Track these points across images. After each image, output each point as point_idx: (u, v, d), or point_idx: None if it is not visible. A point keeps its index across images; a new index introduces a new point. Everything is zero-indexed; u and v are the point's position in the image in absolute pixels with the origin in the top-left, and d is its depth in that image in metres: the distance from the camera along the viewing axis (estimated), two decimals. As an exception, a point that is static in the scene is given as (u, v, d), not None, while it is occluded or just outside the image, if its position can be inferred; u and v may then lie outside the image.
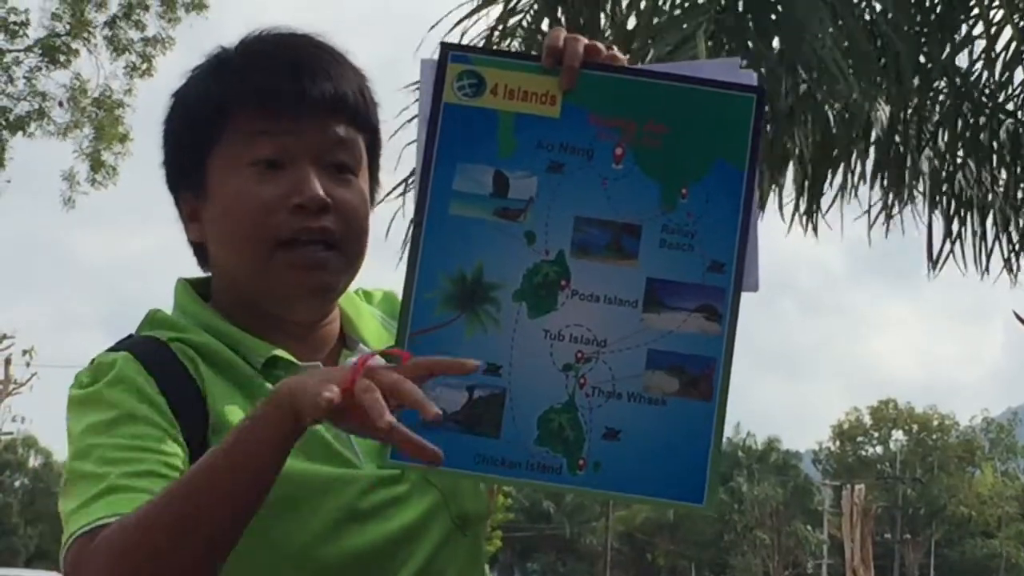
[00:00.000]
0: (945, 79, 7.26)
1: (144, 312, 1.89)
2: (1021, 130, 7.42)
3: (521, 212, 1.67)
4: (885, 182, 7.53)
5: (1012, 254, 7.71)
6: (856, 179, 7.45)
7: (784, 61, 6.15)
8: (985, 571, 64.70)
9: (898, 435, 71.71)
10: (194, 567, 1.53)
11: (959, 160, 7.58)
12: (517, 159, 1.68)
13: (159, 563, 1.51)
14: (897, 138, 7.44)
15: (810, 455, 74.07)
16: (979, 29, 7.02)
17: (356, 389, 1.46)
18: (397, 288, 2.02)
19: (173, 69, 1.94)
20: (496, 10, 7.04)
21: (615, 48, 1.74)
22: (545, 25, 6.99)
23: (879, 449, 72.21)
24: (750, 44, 6.07)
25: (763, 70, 5.98)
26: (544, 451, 1.64)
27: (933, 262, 7.63)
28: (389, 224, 6.60)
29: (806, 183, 7.37)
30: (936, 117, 7.53)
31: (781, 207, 7.40)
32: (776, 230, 7.55)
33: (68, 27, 20.63)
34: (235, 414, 1.74)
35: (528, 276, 1.67)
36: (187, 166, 1.86)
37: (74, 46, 20.77)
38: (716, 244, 1.68)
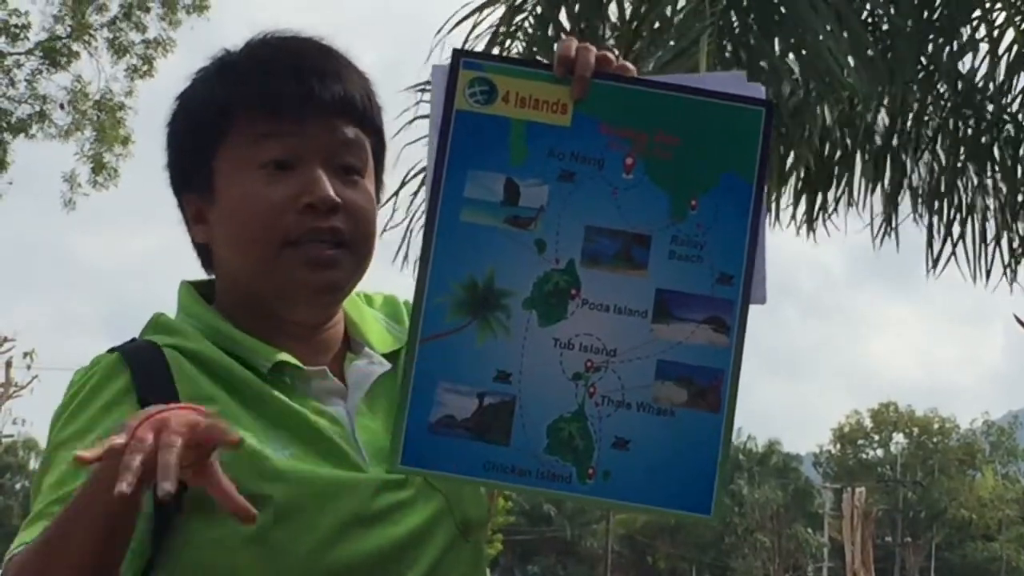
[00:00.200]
0: (946, 84, 7.26)
1: (145, 314, 1.89)
2: (1022, 135, 7.41)
3: (532, 220, 1.68)
4: (886, 186, 7.53)
5: (1012, 258, 7.71)
6: (857, 183, 7.45)
7: (786, 64, 6.15)
8: (986, 574, 64.67)
9: (899, 438, 71.70)
10: None
11: (959, 164, 7.57)
12: (528, 167, 1.68)
13: None
14: (897, 141, 7.44)
15: (811, 458, 74.04)
16: (981, 32, 7.02)
17: (128, 446, 1.44)
18: (397, 291, 2.02)
19: (174, 71, 1.96)
20: (498, 12, 7.04)
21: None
22: (539, 29, 6.98)
23: (880, 452, 72.19)
24: (752, 42, 6.07)
25: (764, 66, 5.98)
26: (554, 460, 1.65)
27: (934, 263, 7.63)
28: (386, 224, 6.60)
29: (800, 186, 7.37)
30: (937, 121, 7.53)
31: (778, 215, 7.40)
32: (776, 234, 7.55)
33: (69, 29, 20.63)
34: (234, 425, 1.72)
35: (538, 284, 1.67)
36: (193, 168, 1.86)
37: (75, 48, 20.78)
38: (725, 256, 1.69)
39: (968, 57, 7.19)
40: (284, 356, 1.81)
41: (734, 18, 6.17)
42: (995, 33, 6.91)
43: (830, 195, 7.49)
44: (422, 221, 1.78)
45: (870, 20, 6.65)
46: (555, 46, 1.75)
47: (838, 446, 72.60)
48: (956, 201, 7.65)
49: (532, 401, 1.65)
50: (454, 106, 1.69)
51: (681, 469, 1.66)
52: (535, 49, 6.78)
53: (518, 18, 7.04)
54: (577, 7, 6.81)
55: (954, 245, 7.67)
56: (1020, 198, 7.60)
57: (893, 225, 7.61)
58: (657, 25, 6.45)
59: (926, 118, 7.48)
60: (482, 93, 1.70)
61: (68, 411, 1.75)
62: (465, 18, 6.96)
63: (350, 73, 1.87)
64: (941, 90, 7.39)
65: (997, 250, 7.72)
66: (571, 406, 1.65)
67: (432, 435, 1.64)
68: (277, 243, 1.80)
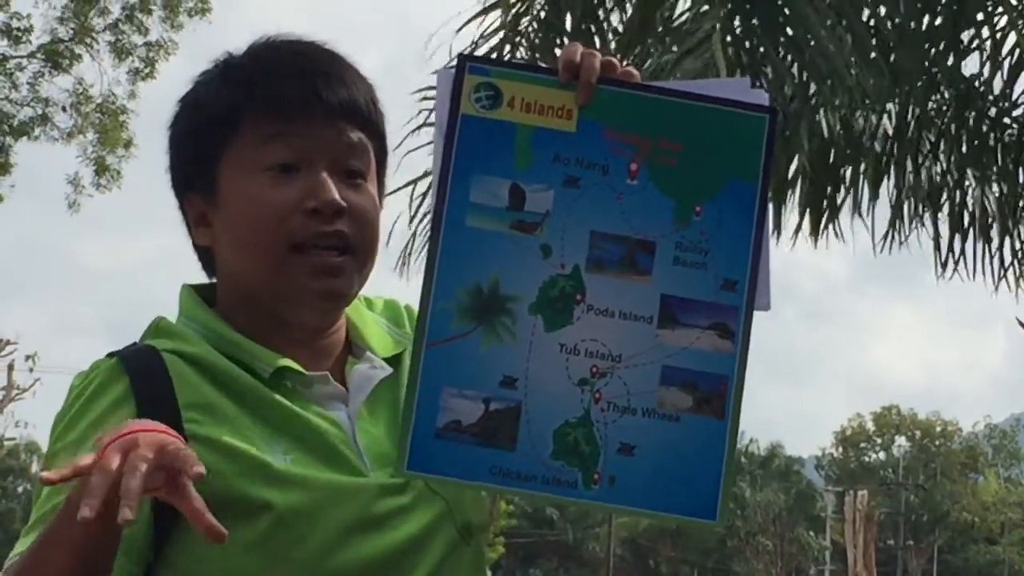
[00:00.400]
0: (949, 88, 7.26)
1: (147, 318, 1.88)
2: (1024, 138, 7.42)
3: (537, 225, 1.68)
4: (891, 191, 7.53)
5: (1015, 262, 7.72)
6: (861, 188, 7.46)
7: (791, 68, 6.15)
8: (988, 578, 64.67)
9: (901, 441, 71.65)
10: None
11: (961, 168, 7.57)
12: (534, 172, 1.69)
13: None
14: (900, 146, 7.44)
15: (813, 461, 73.98)
16: (984, 35, 7.02)
17: (96, 466, 1.45)
18: (398, 295, 2.03)
19: (176, 74, 1.94)
20: (498, 16, 7.04)
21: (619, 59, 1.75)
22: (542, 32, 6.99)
23: (882, 455, 72.14)
24: (755, 47, 6.07)
25: (769, 72, 5.98)
26: (559, 465, 1.65)
27: (943, 268, 7.63)
28: (391, 230, 6.61)
29: (804, 193, 7.38)
30: (941, 124, 7.53)
31: (779, 223, 7.40)
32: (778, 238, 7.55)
33: (71, 32, 20.64)
34: (235, 430, 1.74)
35: (544, 289, 1.67)
36: (196, 170, 1.86)
37: (77, 51, 20.77)
38: (729, 263, 1.69)
39: (970, 61, 7.22)
40: (286, 361, 1.81)
41: (737, 23, 6.17)
42: (997, 36, 6.91)
43: (834, 202, 7.49)
44: (426, 226, 1.77)
45: (873, 24, 6.65)
46: (560, 51, 1.75)
47: (840, 449, 72.55)
48: (958, 205, 7.66)
49: (538, 406, 1.65)
50: (459, 111, 1.70)
51: (686, 474, 1.66)
52: (537, 56, 6.79)
53: (523, 23, 7.04)
54: (579, 12, 6.82)
55: (960, 251, 7.68)
56: (1022, 203, 7.60)
57: (898, 228, 7.61)
58: (660, 30, 6.46)
59: (930, 120, 7.48)
60: (487, 98, 1.70)
61: (67, 418, 1.75)
62: (467, 22, 6.97)
63: (354, 77, 1.87)
64: (945, 95, 7.38)
65: (999, 253, 7.73)
66: (577, 411, 1.66)
67: (438, 440, 1.65)
68: (283, 247, 1.80)
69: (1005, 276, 7.73)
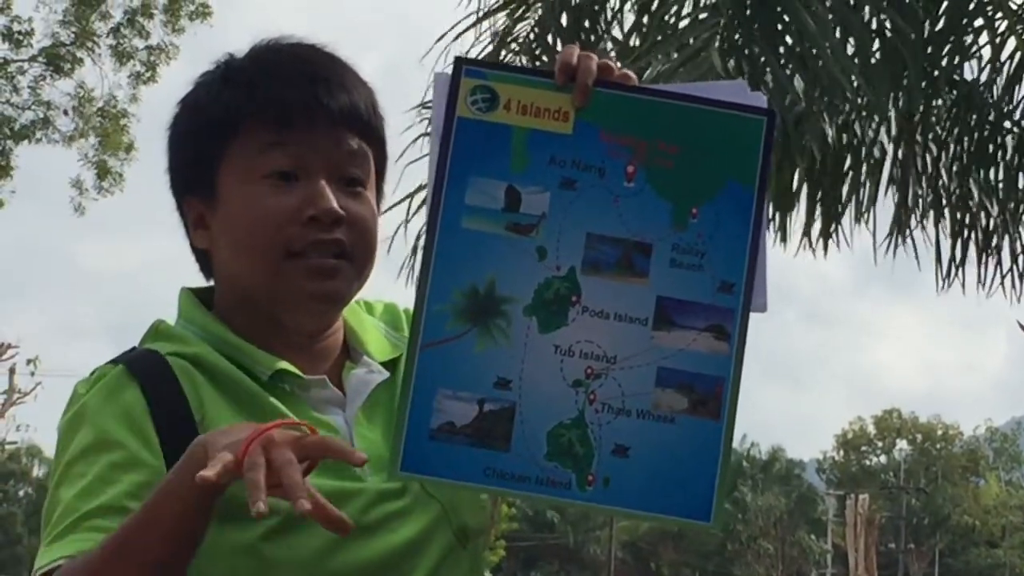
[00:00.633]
0: (950, 93, 7.27)
1: (149, 319, 1.89)
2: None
3: (533, 227, 1.68)
4: (893, 196, 7.53)
5: (1015, 265, 7.71)
6: (862, 195, 7.46)
7: (791, 74, 6.15)
8: (989, 581, 64.62)
9: (902, 445, 71.62)
10: None
11: (962, 172, 7.57)
12: (530, 174, 1.69)
13: None
14: (903, 151, 7.45)
15: (814, 464, 73.92)
16: (983, 40, 7.02)
17: (244, 463, 1.48)
18: (397, 300, 2.03)
19: (177, 78, 1.94)
20: (499, 21, 7.05)
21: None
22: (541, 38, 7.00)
23: (883, 459, 72.09)
24: (755, 54, 6.07)
25: (769, 79, 5.99)
26: (553, 466, 1.65)
27: (945, 276, 7.63)
28: (391, 239, 6.62)
29: (806, 199, 7.38)
30: (942, 129, 7.53)
31: (781, 227, 7.40)
32: (779, 242, 7.55)
33: (73, 36, 20.65)
34: None
35: (539, 291, 1.67)
36: (196, 173, 1.86)
37: (78, 55, 20.78)
38: (726, 265, 1.69)
39: (970, 64, 7.21)
40: (284, 364, 1.81)
41: (737, 29, 6.18)
42: (997, 41, 6.91)
43: (831, 203, 7.49)
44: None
45: (874, 28, 6.66)
46: (557, 54, 1.75)
47: (841, 453, 72.51)
48: (959, 209, 7.66)
49: (532, 408, 1.65)
50: (456, 113, 1.70)
51: (681, 476, 1.66)
52: (537, 63, 6.80)
53: (519, 27, 7.05)
54: (577, 17, 6.83)
55: (963, 255, 7.67)
56: (1023, 207, 7.60)
57: (900, 231, 7.61)
58: (659, 37, 6.46)
59: (931, 125, 7.48)
60: (484, 101, 1.70)
61: (81, 425, 1.74)
62: (466, 30, 6.97)
63: (355, 82, 1.87)
64: (946, 101, 7.39)
65: (999, 257, 7.73)
66: (571, 413, 1.66)
67: (432, 442, 1.65)
68: (280, 253, 1.80)
69: (1003, 281, 7.72)
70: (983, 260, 7.69)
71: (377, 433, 1.84)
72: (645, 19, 6.72)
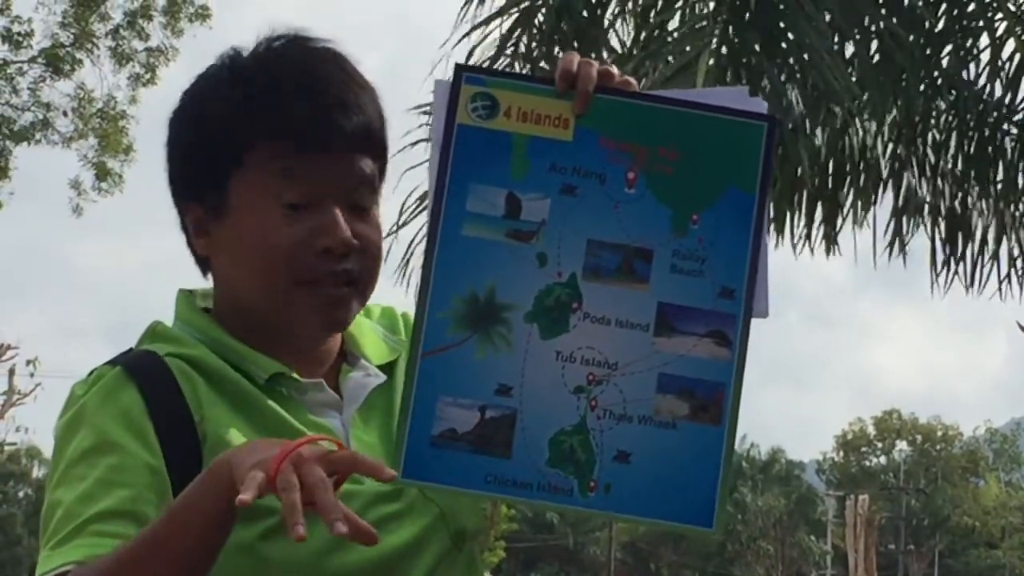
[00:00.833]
0: (949, 95, 7.27)
1: (148, 321, 1.88)
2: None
3: (533, 234, 1.68)
4: (895, 200, 7.54)
5: (1012, 267, 7.72)
6: (861, 198, 7.47)
7: (788, 80, 6.16)
8: (989, 582, 64.60)
9: (902, 445, 71.64)
10: None
11: (961, 174, 7.58)
12: (530, 181, 1.69)
13: None
14: (902, 153, 7.45)
15: (814, 465, 73.92)
16: (983, 42, 7.03)
17: (277, 483, 1.47)
18: (397, 304, 2.03)
19: (176, 80, 1.92)
20: (499, 26, 7.05)
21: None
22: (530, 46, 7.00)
23: (883, 459, 72.09)
24: (753, 61, 6.08)
25: (767, 86, 5.99)
26: (555, 472, 1.65)
27: (938, 277, 7.64)
28: (390, 247, 6.63)
29: (806, 203, 7.39)
30: (939, 131, 7.54)
31: (783, 234, 7.41)
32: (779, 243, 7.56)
33: (72, 37, 20.65)
34: (234, 435, 1.74)
35: (540, 298, 1.67)
36: (202, 182, 1.84)
37: (78, 56, 20.78)
38: (727, 270, 1.69)
39: (969, 67, 7.21)
40: (281, 367, 1.81)
41: (734, 36, 6.18)
42: (997, 43, 6.92)
43: (829, 206, 7.50)
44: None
45: (873, 30, 6.66)
46: (558, 61, 1.75)
47: (841, 453, 72.52)
48: (958, 210, 7.66)
49: (533, 414, 1.66)
50: (456, 121, 1.70)
51: (683, 482, 1.66)
52: (538, 68, 6.80)
53: (516, 33, 7.05)
54: (576, 26, 6.83)
55: (960, 257, 7.68)
56: (1022, 208, 7.60)
57: (899, 235, 7.62)
58: (655, 46, 6.46)
59: (930, 128, 7.49)
60: (484, 108, 1.70)
61: (80, 426, 1.73)
62: (466, 35, 6.98)
63: (367, 98, 1.84)
64: (943, 105, 7.39)
65: (997, 259, 7.73)
66: (572, 419, 1.66)
67: (433, 448, 1.65)
68: (290, 281, 1.79)
69: (1002, 282, 7.72)
70: (982, 262, 7.69)
71: (373, 436, 1.84)
72: (643, 35, 6.72)
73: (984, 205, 7.63)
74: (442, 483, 1.66)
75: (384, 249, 1.90)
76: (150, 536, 1.57)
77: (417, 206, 6.89)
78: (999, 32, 6.92)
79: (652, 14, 6.73)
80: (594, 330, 1.67)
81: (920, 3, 6.74)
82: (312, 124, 1.78)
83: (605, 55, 6.79)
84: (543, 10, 6.94)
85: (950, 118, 7.46)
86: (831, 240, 7.52)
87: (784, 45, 6.20)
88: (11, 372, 34.50)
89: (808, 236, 7.49)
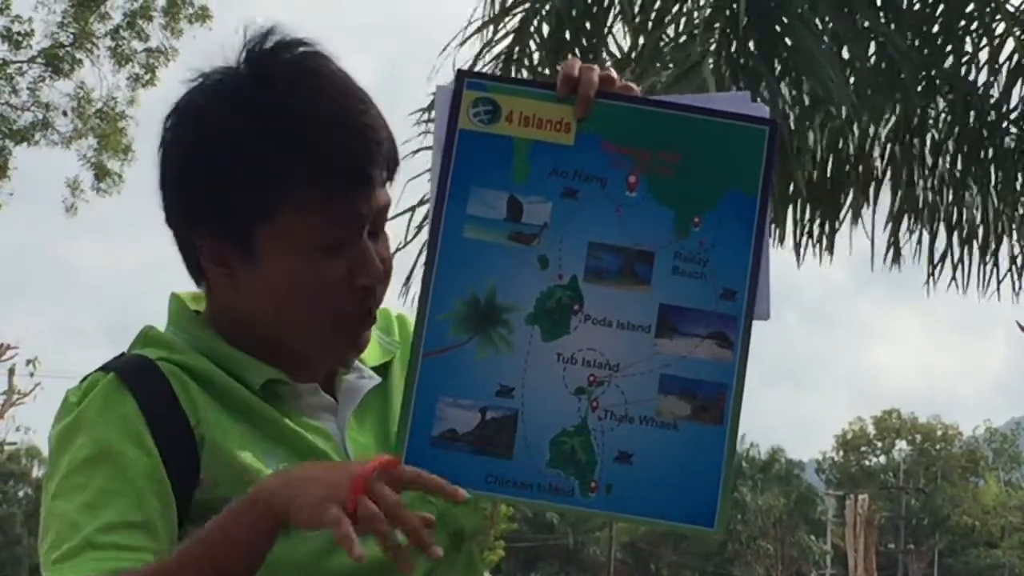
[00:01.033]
0: (947, 95, 7.27)
1: (148, 321, 1.87)
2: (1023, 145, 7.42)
3: (535, 237, 1.69)
4: (893, 202, 7.54)
5: (1013, 268, 7.72)
6: (860, 200, 7.47)
7: (787, 84, 6.17)
8: (988, 581, 64.56)
9: (901, 445, 71.56)
10: None
11: (960, 174, 7.58)
12: (531, 185, 1.70)
13: None
14: (900, 154, 7.46)
15: (813, 465, 73.83)
16: (982, 42, 7.03)
17: (360, 516, 1.50)
18: (396, 307, 2.04)
19: (176, 80, 1.90)
20: (497, 32, 7.05)
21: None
22: (532, 51, 7.00)
23: (882, 459, 72.02)
24: (750, 66, 6.09)
25: (765, 91, 6.00)
26: (556, 473, 1.66)
27: (932, 276, 7.64)
28: (394, 252, 6.62)
29: (806, 206, 7.40)
30: (938, 132, 7.54)
31: (782, 235, 7.42)
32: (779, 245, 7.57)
33: (72, 37, 20.64)
34: (231, 440, 1.74)
35: (541, 300, 1.69)
36: (228, 228, 1.77)
37: (77, 56, 20.77)
38: (728, 272, 1.70)
39: (969, 67, 7.22)
40: (276, 373, 1.81)
41: (733, 43, 6.19)
42: (995, 43, 6.92)
43: (834, 217, 7.51)
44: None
45: (871, 32, 6.66)
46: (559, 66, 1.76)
47: (841, 453, 72.46)
48: (957, 212, 7.66)
49: (534, 415, 1.67)
50: (458, 126, 1.71)
51: (684, 482, 1.67)
52: (538, 72, 6.80)
53: (505, 45, 7.05)
54: (576, 32, 6.84)
55: (958, 258, 7.68)
56: (1022, 209, 7.61)
57: (898, 237, 7.62)
58: (654, 52, 6.47)
59: (928, 129, 7.49)
60: (486, 113, 1.71)
61: (77, 434, 1.72)
62: (466, 40, 6.98)
63: (383, 128, 1.80)
64: (941, 105, 7.40)
65: (996, 259, 7.74)
66: (573, 420, 1.67)
67: (433, 448, 1.66)
68: (328, 320, 1.79)
69: (1000, 283, 7.73)
70: (982, 261, 7.70)
71: (369, 437, 1.84)
72: (641, 39, 6.72)
73: (983, 205, 7.63)
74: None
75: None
76: (180, 562, 1.59)
77: (423, 222, 6.90)
78: (998, 32, 6.93)
79: (650, 24, 6.72)
80: (595, 332, 1.68)
81: (918, 4, 6.75)
82: (346, 172, 1.75)
83: (607, 60, 6.80)
84: (543, 12, 6.95)
85: (949, 118, 7.47)
86: (830, 241, 7.52)
87: (781, 49, 6.21)
88: (11, 372, 34.47)
89: (810, 235, 7.49)
